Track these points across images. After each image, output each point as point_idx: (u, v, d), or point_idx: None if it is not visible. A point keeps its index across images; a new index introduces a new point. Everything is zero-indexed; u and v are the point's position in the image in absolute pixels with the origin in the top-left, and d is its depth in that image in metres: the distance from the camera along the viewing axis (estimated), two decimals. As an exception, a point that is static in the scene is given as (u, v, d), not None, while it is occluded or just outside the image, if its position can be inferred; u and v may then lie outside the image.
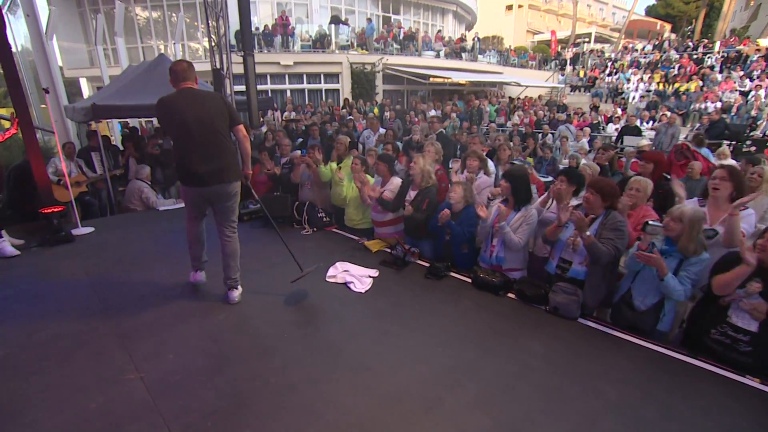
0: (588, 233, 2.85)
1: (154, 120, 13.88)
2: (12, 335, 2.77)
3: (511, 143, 6.43)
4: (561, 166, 8.03)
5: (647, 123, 13.25)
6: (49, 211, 4.38)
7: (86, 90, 18.87)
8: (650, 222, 2.71)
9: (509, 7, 35.82)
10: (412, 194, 3.92)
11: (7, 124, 4.74)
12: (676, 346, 2.69)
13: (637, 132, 10.83)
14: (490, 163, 4.38)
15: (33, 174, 4.61)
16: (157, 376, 2.35)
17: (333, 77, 16.47)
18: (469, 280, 3.51)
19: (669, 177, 4.43)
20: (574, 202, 3.50)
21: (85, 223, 5.27)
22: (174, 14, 17.07)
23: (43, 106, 13.62)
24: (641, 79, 19.15)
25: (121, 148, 7.43)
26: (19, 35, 9.50)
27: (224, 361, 2.48)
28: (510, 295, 3.31)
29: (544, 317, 3.02)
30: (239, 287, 3.24)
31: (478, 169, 4.09)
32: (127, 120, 11.13)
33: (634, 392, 2.25)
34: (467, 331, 2.81)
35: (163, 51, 16.60)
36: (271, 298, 3.27)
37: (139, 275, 3.72)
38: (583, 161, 7.53)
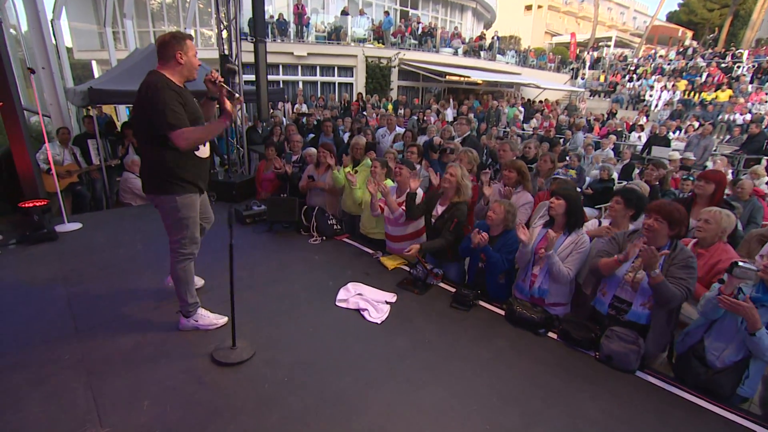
0: (657, 271, 2.35)
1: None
2: (-39, 363, 2.32)
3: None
4: (589, 178, 7.48)
5: (674, 133, 12.61)
6: (30, 205, 3.92)
7: (96, 73, 18.51)
8: (740, 263, 2.19)
9: (528, 7, 35.00)
10: (439, 209, 3.41)
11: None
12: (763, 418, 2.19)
13: (666, 143, 10.21)
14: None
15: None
16: (125, 434, 1.88)
17: (347, 70, 15.95)
18: (502, 312, 3.01)
19: (731, 202, 3.89)
20: (630, 228, 2.99)
21: (74, 217, 4.83)
22: (187, -1, 16.60)
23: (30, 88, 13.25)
24: (665, 86, 18.44)
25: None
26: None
27: (210, 414, 2.01)
28: (551, 334, 2.81)
29: (594, 367, 2.51)
30: (191, 317, 2.69)
31: (515, 184, 3.56)
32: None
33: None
34: (505, 385, 2.31)
35: (173, 35, 16.18)
36: (271, 326, 2.78)
37: (124, 286, 3.26)
38: (614, 174, 6.98)
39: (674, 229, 2.47)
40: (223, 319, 2.77)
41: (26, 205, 3.94)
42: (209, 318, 2.75)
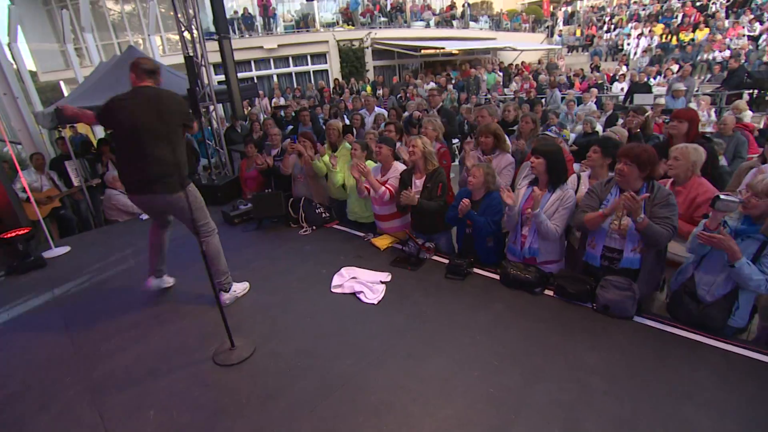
0: (642, 216, 2.35)
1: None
2: (-37, 397, 2.31)
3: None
4: (573, 134, 7.44)
5: (654, 79, 12.51)
6: (12, 235, 3.86)
7: (66, 93, 18.08)
8: (722, 196, 2.19)
9: (497, -31, 34.17)
10: (418, 183, 3.38)
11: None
12: (760, 346, 2.23)
13: (647, 89, 10.15)
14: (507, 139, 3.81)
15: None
16: (134, 445, 1.89)
17: (320, 57, 15.64)
18: (497, 277, 3.02)
19: (709, 137, 3.88)
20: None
21: (61, 242, 4.79)
22: (147, 5, 16.10)
23: None
24: (641, 33, 18.21)
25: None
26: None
27: (218, 414, 2.02)
28: (547, 292, 2.83)
29: (592, 318, 2.54)
30: (231, 289, 3.03)
31: (493, 147, 3.54)
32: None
33: (733, 423, 1.78)
34: (505, 346, 2.34)
35: (141, 45, 15.75)
36: (268, 321, 2.79)
37: (119, 302, 3.24)
38: (598, 126, 6.95)
39: (645, 170, 2.45)
40: (246, 284, 3.19)
41: (8, 235, 3.88)
42: (240, 285, 3.12)
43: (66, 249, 4.46)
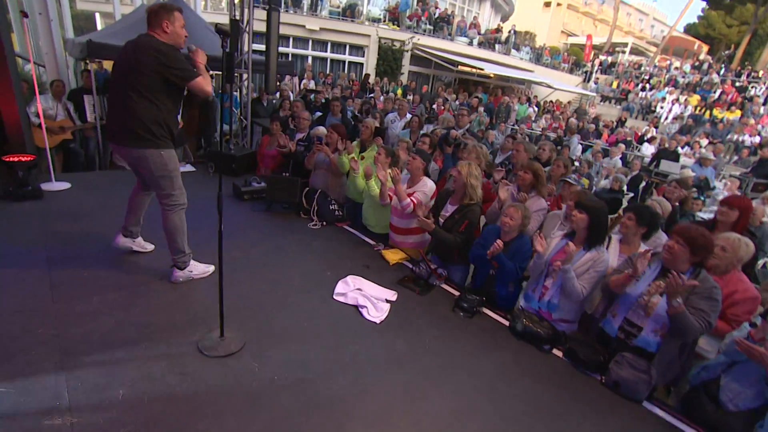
0: (679, 301, 2.20)
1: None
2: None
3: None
4: (595, 188, 7.32)
5: (682, 148, 12.43)
6: (15, 159, 3.67)
7: (100, 26, 17.83)
8: None
9: (547, 4, 34.22)
10: (449, 209, 3.22)
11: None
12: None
13: (676, 157, 10.04)
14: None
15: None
16: (94, 427, 1.71)
17: (359, 50, 15.48)
18: (506, 322, 2.87)
19: (753, 231, 3.73)
20: (642, 247, 2.85)
21: (63, 176, 4.60)
22: (199, -43, 15.88)
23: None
24: (677, 99, 18.20)
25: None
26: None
27: (192, 411, 1.85)
28: (556, 351, 2.68)
29: (600, 392, 2.39)
30: (186, 269, 2.85)
31: (530, 186, 3.38)
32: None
33: None
34: (507, 403, 2.18)
35: (184, -5, 15.54)
36: (263, 315, 2.62)
37: (110, 256, 3.06)
38: (625, 189, 6.83)
39: (697, 254, 2.31)
40: (211, 267, 2.95)
41: (10, 158, 3.70)
42: (201, 267, 2.92)
43: (66, 185, 4.28)
